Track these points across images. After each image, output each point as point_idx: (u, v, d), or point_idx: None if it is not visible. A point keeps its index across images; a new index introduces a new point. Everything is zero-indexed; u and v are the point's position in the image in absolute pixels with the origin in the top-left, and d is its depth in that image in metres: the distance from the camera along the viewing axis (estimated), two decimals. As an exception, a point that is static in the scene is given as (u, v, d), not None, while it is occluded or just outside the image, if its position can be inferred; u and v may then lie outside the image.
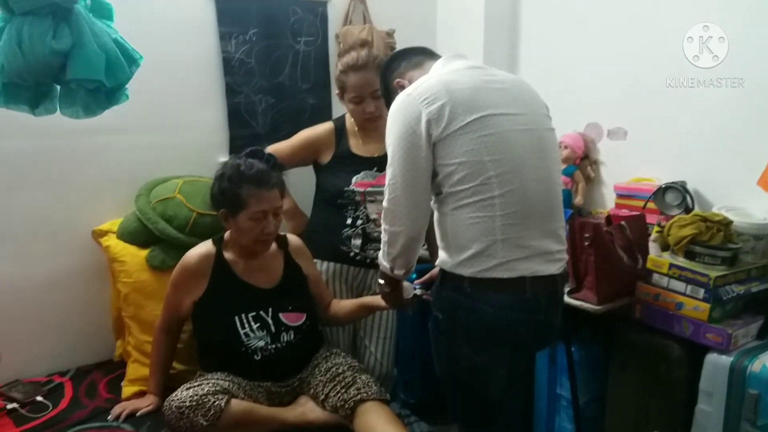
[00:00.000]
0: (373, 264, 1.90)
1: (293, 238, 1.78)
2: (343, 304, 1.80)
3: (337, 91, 1.88)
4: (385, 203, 1.32)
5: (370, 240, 1.90)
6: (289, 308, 1.64)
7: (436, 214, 1.36)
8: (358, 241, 1.89)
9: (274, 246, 1.70)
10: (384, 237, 1.36)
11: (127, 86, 1.47)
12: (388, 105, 1.41)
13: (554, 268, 1.29)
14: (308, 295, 1.73)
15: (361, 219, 1.89)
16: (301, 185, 2.00)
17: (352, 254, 1.90)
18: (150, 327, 1.76)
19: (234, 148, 2.15)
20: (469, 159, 1.23)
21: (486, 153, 1.22)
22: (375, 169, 1.91)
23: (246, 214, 1.56)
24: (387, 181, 1.30)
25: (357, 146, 1.91)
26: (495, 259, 1.24)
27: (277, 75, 2.17)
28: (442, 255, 1.36)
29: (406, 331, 2.11)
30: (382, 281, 1.49)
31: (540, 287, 1.26)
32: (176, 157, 2.05)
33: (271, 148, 1.77)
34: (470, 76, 1.26)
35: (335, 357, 1.70)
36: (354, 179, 1.89)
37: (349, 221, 1.89)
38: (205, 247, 1.67)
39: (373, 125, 1.86)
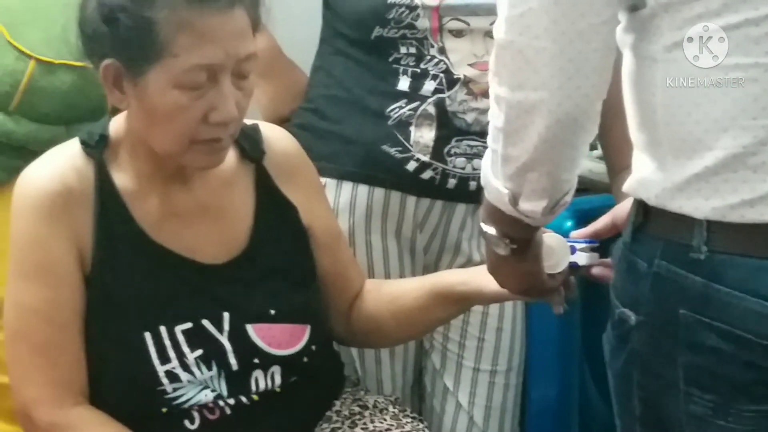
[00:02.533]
0: (467, 189, 1.91)
1: (276, 136, 1.77)
2: (394, 293, 1.82)
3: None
4: (500, 33, 1.29)
5: (457, 131, 1.89)
6: (270, 313, 1.65)
7: (628, 63, 1.34)
8: (427, 133, 1.89)
9: (231, 157, 1.69)
10: (497, 120, 1.33)
11: None
12: None
13: None
14: (312, 274, 1.73)
15: (434, 78, 1.89)
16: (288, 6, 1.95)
17: (411, 165, 1.90)
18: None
19: None
20: None
21: None
22: (467, -50, 1.88)
23: (168, 71, 1.52)
24: None
25: None
26: None
27: None
28: (641, 166, 1.35)
29: (547, 353, 2.13)
30: (491, 230, 1.46)
31: None
32: None
33: None
34: None
35: (374, 418, 1.72)
36: None
37: (403, 83, 1.89)
38: (67, 157, 1.64)
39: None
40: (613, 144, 1.91)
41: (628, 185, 1.36)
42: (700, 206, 1.25)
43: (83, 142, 1.62)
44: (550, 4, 1.23)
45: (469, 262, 1.96)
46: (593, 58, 1.26)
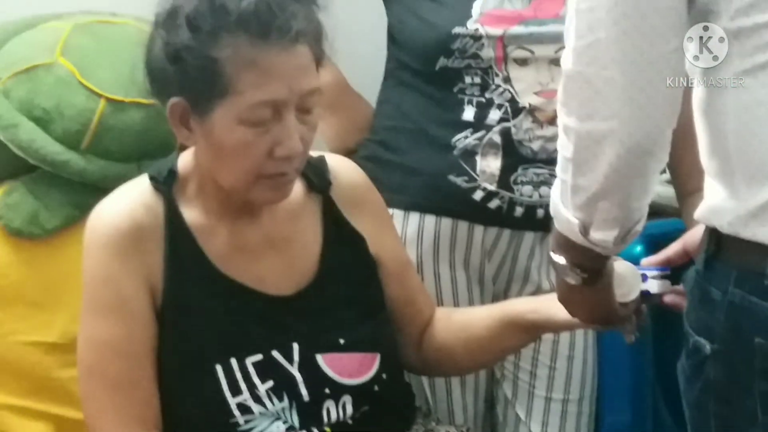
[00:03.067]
0: (534, 217, 1.91)
1: (342, 166, 1.78)
2: (464, 321, 1.81)
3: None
4: (567, 64, 1.29)
5: (523, 159, 1.89)
6: (340, 342, 1.66)
7: (698, 91, 1.33)
8: (493, 162, 1.89)
9: (298, 189, 1.69)
10: (566, 150, 1.33)
11: None
12: None
13: None
14: (381, 303, 1.74)
15: (499, 107, 1.89)
16: (354, 37, 1.98)
17: (478, 194, 1.90)
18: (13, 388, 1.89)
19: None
20: None
21: None
22: (530, -19, 1.91)
23: (233, 108, 1.51)
24: (573, 6, 1.28)
25: None
26: None
27: None
28: (713, 194, 1.34)
29: (620, 380, 2.11)
30: (562, 260, 1.46)
31: None
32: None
33: None
34: None
35: None
36: (477, 6, 1.88)
37: (468, 113, 1.90)
38: (137, 193, 1.64)
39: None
40: (682, 168, 1.89)
41: (699, 213, 1.35)
42: None
43: (152, 178, 1.63)
44: (618, 33, 1.23)
45: (538, 290, 1.95)
46: (663, 87, 1.26)
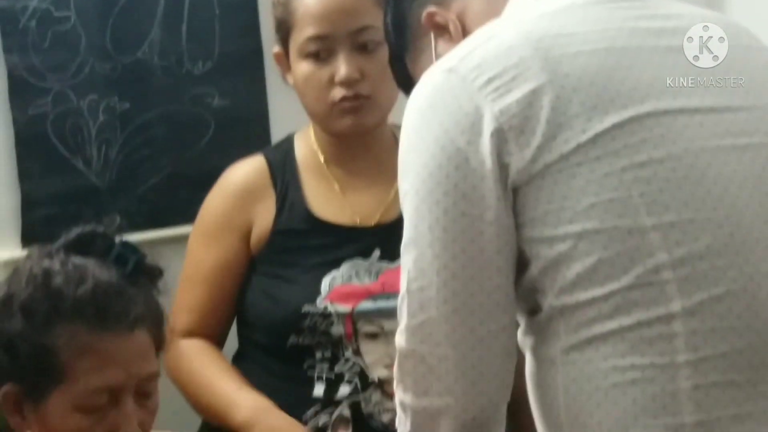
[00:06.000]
0: None
1: None
2: None
3: (276, 48, 1.99)
4: (401, 342, 1.33)
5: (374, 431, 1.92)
6: None
7: (530, 364, 1.35)
8: None
9: None
10: (403, 426, 1.36)
11: None
12: (404, 86, 1.48)
13: None
14: None
15: (349, 382, 1.92)
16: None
17: None
18: None
19: (32, 227, 2.23)
20: (604, 224, 1.23)
21: (646, 208, 1.23)
22: (376, 253, 1.96)
23: (68, 394, 1.49)
24: (404, 287, 1.31)
25: (326, 200, 1.99)
26: None
27: (133, 44, 2.32)
28: None
29: None
30: None
31: None
32: None
33: None
34: (604, 21, 1.30)
35: None
36: (325, 283, 1.93)
37: (317, 389, 1.93)
38: None
39: (358, 125, 1.93)
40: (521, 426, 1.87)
41: None
42: None
43: None
44: (449, 312, 1.26)
45: None
46: (495, 363, 1.28)
